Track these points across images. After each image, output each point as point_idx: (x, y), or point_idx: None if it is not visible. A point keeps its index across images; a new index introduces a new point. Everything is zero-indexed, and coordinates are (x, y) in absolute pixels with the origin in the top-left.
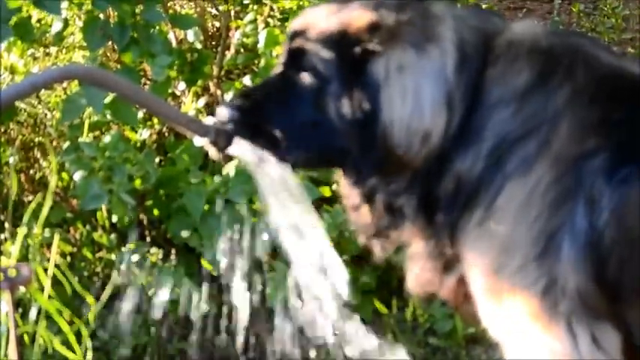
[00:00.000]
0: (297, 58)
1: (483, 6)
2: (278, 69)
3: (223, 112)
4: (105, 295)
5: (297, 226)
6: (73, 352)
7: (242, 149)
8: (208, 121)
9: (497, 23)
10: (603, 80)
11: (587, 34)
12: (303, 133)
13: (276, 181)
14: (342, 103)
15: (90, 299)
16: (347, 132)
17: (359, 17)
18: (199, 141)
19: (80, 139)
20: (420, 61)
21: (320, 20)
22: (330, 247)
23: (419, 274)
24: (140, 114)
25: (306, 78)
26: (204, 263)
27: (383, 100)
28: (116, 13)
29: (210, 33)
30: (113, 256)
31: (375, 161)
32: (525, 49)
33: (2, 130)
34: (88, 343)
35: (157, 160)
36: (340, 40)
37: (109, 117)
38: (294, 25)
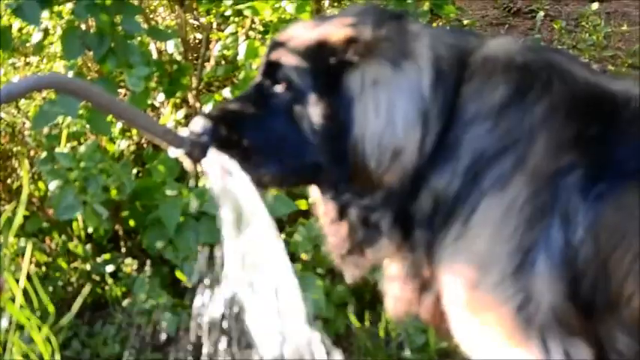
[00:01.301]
0: (272, 70)
1: (465, 21)
2: (255, 81)
3: (198, 123)
4: (77, 305)
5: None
6: None
7: (214, 162)
8: (184, 132)
9: (473, 40)
10: (579, 96)
11: (564, 50)
12: (276, 145)
13: (239, 198)
14: (315, 115)
15: (51, 308)
16: (319, 145)
17: (336, 31)
18: (174, 152)
19: (57, 150)
20: (395, 77)
21: (298, 34)
22: (289, 272)
23: (398, 295)
24: (119, 125)
25: (280, 89)
26: (179, 275)
27: (356, 113)
28: (95, 23)
29: (191, 45)
30: (88, 267)
31: (345, 176)
32: (501, 65)
33: None
34: (57, 355)
35: (135, 171)
36: (316, 52)
37: (87, 127)
38: (274, 37)
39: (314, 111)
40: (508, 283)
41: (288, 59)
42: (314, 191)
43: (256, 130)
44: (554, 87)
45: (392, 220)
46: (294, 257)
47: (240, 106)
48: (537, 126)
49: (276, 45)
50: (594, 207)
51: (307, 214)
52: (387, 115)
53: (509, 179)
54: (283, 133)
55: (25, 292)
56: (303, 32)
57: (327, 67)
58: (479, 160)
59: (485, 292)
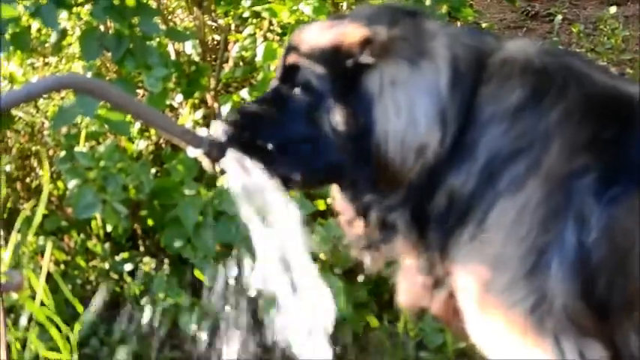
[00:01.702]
0: (291, 74)
1: (483, 24)
2: (274, 84)
3: (218, 128)
4: (96, 303)
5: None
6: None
7: (234, 162)
8: (202, 132)
9: (491, 42)
10: (595, 99)
11: (582, 54)
12: (298, 148)
13: (261, 197)
14: (336, 118)
15: (79, 307)
16: (341, 147)
17: (352, 33)
18: (193, 152)
19: (76, 149)
20: (413, 76)
21: (314, 36)
22: (314, 270)
23: (410, 289)
24: (137, 125)
25: (300, 93)
26: (197, 274)
27: (377, 113)
28: (114, 25)
29: (209, 46)
30: (107, 265)
31: (369, 175)
32: (519, 68)
33: None
34: (75, 354)
35: (153, 171)
36: (333, 55)
37: (106, 127)
38: (290, 40)
39: (334, 114)
40: (521, 285)
41: (306, 63)
42: (334, 189)
43: (277, 134)
44: (571, 90)
45: (409, 219)
46: (312, 257)
47: (260, 110)
48: (552, 129)
49: (291, 48)
50: (608, 210)
51: (325, 214)
52: (408, 114)
53: (523, 181)
54: (305, 136)
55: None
56: (319, 34)
57: (344, 70)
58: (494, 161)
59: (499, 292)
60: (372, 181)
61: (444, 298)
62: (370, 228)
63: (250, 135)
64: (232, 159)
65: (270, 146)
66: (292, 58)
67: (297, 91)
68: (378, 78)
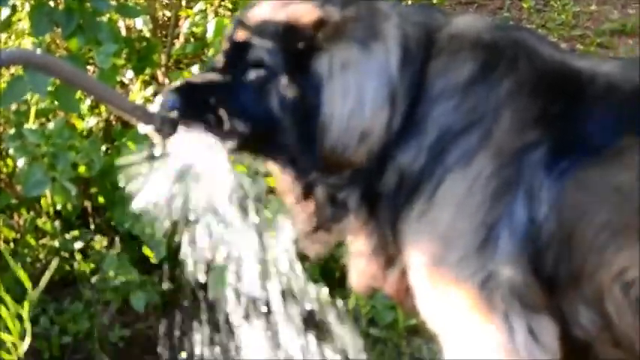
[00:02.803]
0: (242, 50)
1: (434, 1)
2: (221, 58)
3: (164, 98)
4: (45, 281)
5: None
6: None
7: (183, 138)
8: (153, 108)
9: (440, 18)
10: (545, 73)
11: (531, 29)
12: (244, 123)
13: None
14: (284, 97)
15: (28, 284)
16: (288, 126)
17: (306, 13)
18: (144, 128)
19: (25, 126)
20: (363, 58)
21: (267, 13)
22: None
23: (362, 270)
24: (88, 102)
25: (250, 70)
26: (147, 251)
27: (325, 96)
28: (64, 0)
29: (160, 22)
30: (57, 243)
31: (313, 158)
32: (468, 43)
33: None
34: (28, 327)
35: (104, 148)
36: (287, 34)
37: (56, 104)
38: (240, 15)
39: (284, 92)
40: (472, 259)
41: (258, 40)
42: (274, 167)
43: (225, 107)
44: (521, 64)
45: (359, 198)
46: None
47: (208, 83)
48: (503, 103)
49: (241, 23)
50: (558, 183)
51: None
52: (355, 98)
53: (474, 155)
54: (252, 112)
55: None
56: (272, 12)
57: (296, 50)
58: (444, 136)
59: (449, 268)
60: (315, 162)
61: (397, 277)
62: (319, 205)
63: (196, 106)
64: (183, 135)
65: (216, 116)
66: (242, 35)
67: (247, 67)
68: (328, 60)
